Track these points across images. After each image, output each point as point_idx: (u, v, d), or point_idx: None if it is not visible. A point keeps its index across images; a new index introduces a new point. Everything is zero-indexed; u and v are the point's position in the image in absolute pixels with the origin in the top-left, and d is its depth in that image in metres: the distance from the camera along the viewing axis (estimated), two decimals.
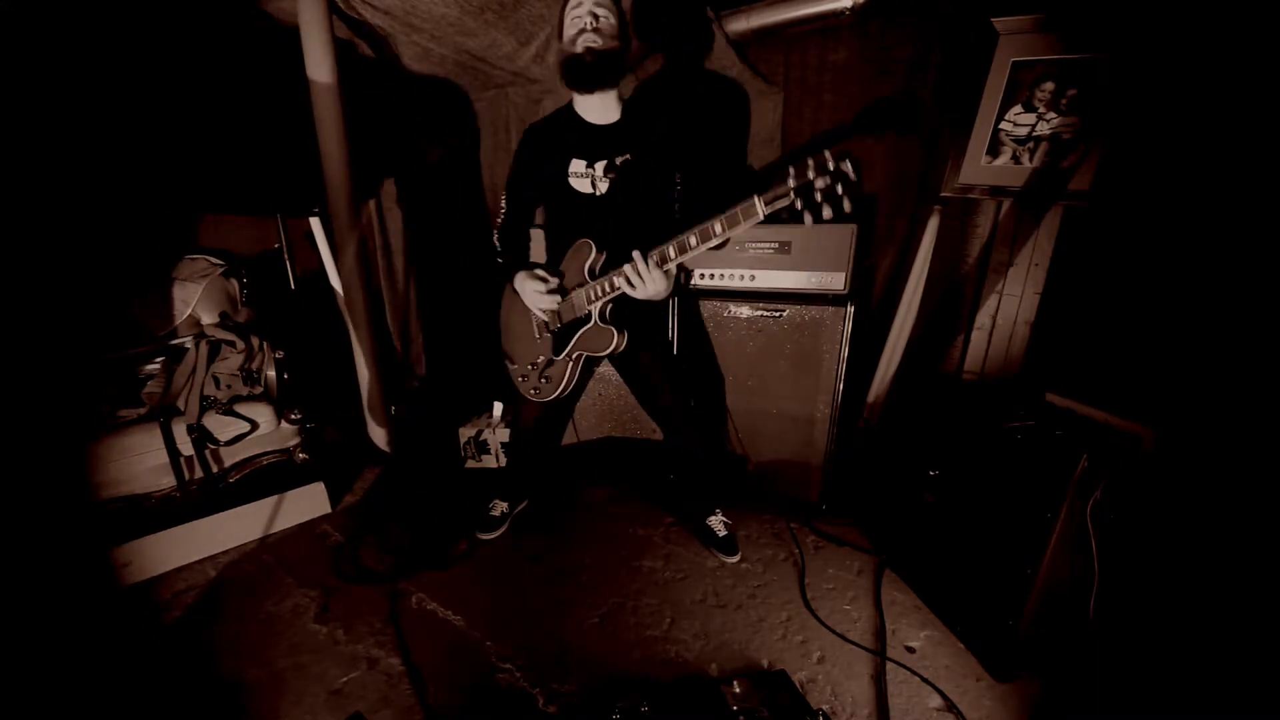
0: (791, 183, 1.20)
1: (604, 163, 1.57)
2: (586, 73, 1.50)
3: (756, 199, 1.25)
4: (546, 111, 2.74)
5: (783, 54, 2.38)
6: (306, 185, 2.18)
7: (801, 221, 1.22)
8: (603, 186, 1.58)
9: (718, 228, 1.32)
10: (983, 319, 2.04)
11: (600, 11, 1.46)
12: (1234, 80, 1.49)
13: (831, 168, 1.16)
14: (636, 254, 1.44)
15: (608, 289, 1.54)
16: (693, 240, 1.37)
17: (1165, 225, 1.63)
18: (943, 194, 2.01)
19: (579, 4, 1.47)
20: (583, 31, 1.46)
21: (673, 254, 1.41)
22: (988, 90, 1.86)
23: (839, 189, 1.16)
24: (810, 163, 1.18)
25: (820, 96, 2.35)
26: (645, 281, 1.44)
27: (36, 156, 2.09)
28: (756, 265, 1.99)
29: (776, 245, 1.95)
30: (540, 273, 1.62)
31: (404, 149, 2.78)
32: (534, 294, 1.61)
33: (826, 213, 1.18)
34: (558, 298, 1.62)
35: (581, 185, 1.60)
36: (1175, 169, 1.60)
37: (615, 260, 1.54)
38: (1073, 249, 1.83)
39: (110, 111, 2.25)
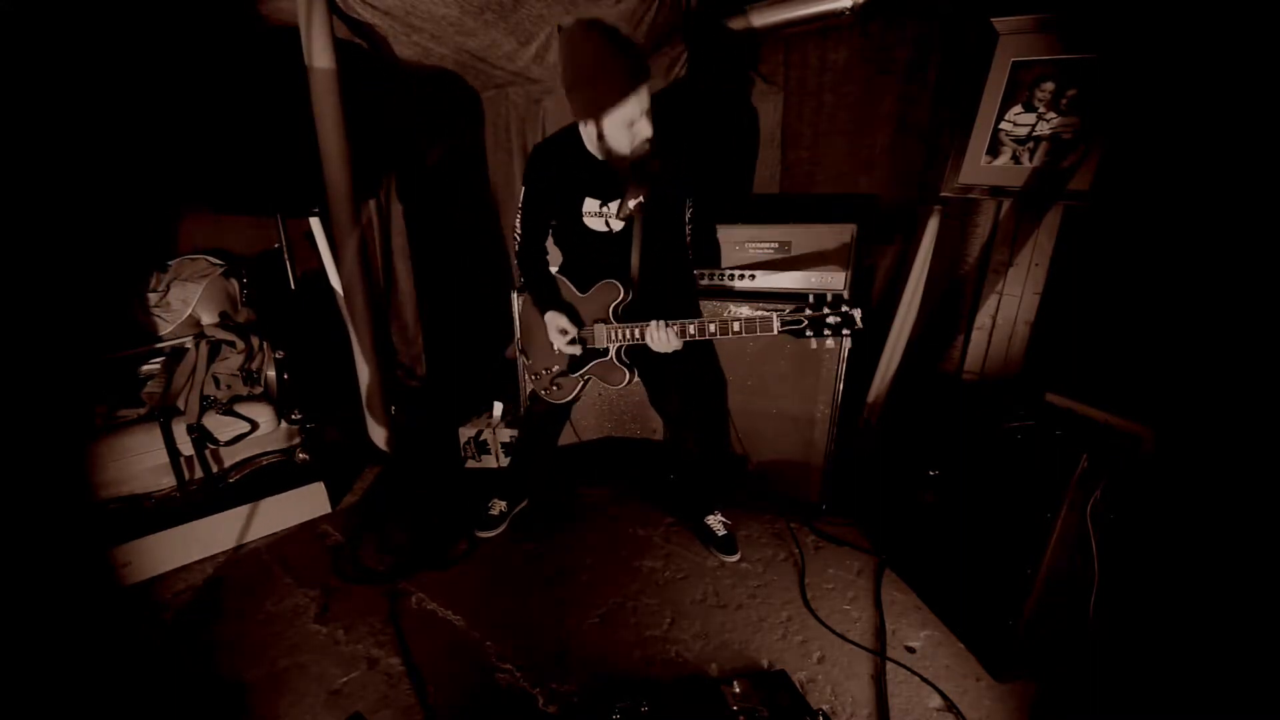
0: (808, 312, 1.39)
1: (618, 203, 1.58)
2: (611, 171, 1.54)
3: (775, 319, 1.42)
4: (547, 111, 2.77)
5: (783, 54, 2.38)
6: (306, 185, 2.18)
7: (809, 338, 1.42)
8: (617, 225, 1.62)
9: (736, 327, 1.47)
10: (983, 319, 2.04)
11: (650, 119, 1.44)
12: (1233, 80, 1.49)
13: (844, 311, 1.36)
14: (660, 323, 1.52)
15: (627, 336, 1.61)
16: (712, 328, 1.51)
17: (1165, 225, 1.63)
18: (943, 194, 2.01)
19: (634, 120, 1.41)
20: (644, 143, 1.46)
21: (692, 330, 1.52)
22: (988, 90, 1.85)
23: (845, 331, 1.38)
24: (828, 304, 1.38)
25: (820, 96, 2.35)
26: (663, 344, 1.54)
27: (38, 158, 2.09)
28: (757, 265, 1.99)
29: (776, 245, 1.95)
30: (564, 324, 1.65)
31: (404, 149, 2.78)
32: (558, 339, 1.67)
33: (830, 344, 1.44)
34: (579, 348, 1.67)
35: (596, 224, 1.63)
36: (1175, 169, 1.60)
37: (639, 300, 1.63)
38: (1073, 249, 1.83)
39: (110, 113, 2.25)
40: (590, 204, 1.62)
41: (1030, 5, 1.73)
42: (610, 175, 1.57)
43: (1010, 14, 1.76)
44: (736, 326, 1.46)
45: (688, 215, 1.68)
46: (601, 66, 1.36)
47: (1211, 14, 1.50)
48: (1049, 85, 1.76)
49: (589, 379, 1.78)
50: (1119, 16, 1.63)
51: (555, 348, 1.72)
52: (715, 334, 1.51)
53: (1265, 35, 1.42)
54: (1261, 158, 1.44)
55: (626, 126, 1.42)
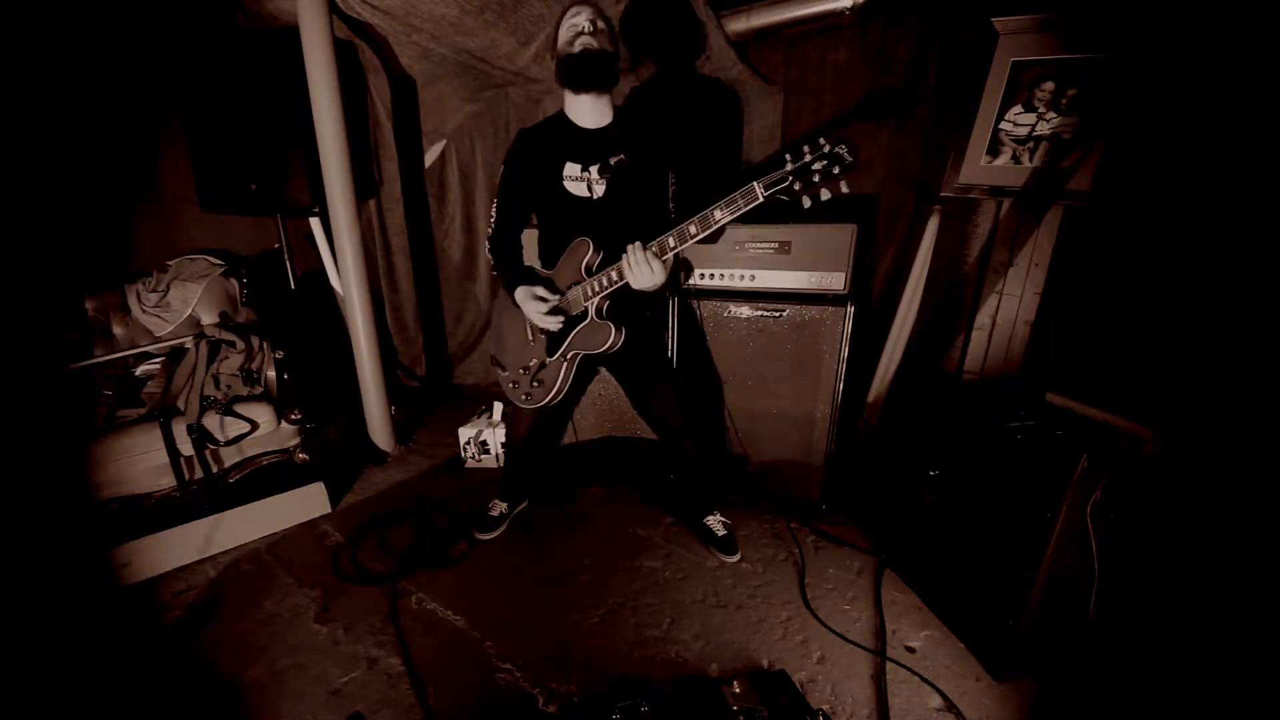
0: (789, 165, 1.24)
1: (598, 165, 1.58)
2: (583, 71, 1.51)
3: (756, 183, 1.28)
4: (547, 111, 2.76)
5: (783, 54, 2.39)
6: (306, 185, 2.18)
7: (802, 208, 1.25)
8: (599, 190, 1.59)
9: (717, 214, 1.34)
10: (983, 319, 2.04)
11: (597, 20, 1.52)
12: (1234, 80, 1.49)
13: (828, 150, 1.20)
14: (635, 245, 1.44)
15: (605, 283, 1.54)
16: (692, 229, 1.38)
17: (1165, 225, 1.63)
18: (943, 194, 2.01)
19: (576, 13, 1.51)
20: (579, 34, 1.49)
21: (672, 243, 1.42)
22: (988, 90, 1.85)
23: (835, 170, 1.20)
24: (806, 147, 1.23)
25: (820, 97, 2.35)
26: (643, 271, 1.44)
27: (33, 157, 2.09)
28: (757, 265, 1.99)
29: (776, 245, 1.95)
30: (540, 291, 1.61)
31: (404, 148, 2.79)
32: (537, 314, 1.60)
33: (824, 194, 1.22)
34: (560, 319, 1.60)
35: (577, 189, 1.60)
36: (1175, 169, 1.60)
37: (612, 259, 1.55)
38: (1073, 249, 1.83)
39: (110, 112, 2.25)
40: (571, 168, 1.59)
41: (1030, 5, 1.73)
42: (593, 143, 1.57)
43: (1010, 14, 1.76)
44: (718, 215, 1.33)
45: (671, 191, 1.63)
46: None
47: (1212, 13, 1.50)
48: (1049, 85, 1.76)
49: (575, 358, 1.67)
50: (1120, 16, 1.63)
51: (534, 333, 1.68)
52: (697, 235, 1.37)
53: (1265, 33, 1.42)
54: (1262, 156, 1.44)
55: (572, 14, 1.50)
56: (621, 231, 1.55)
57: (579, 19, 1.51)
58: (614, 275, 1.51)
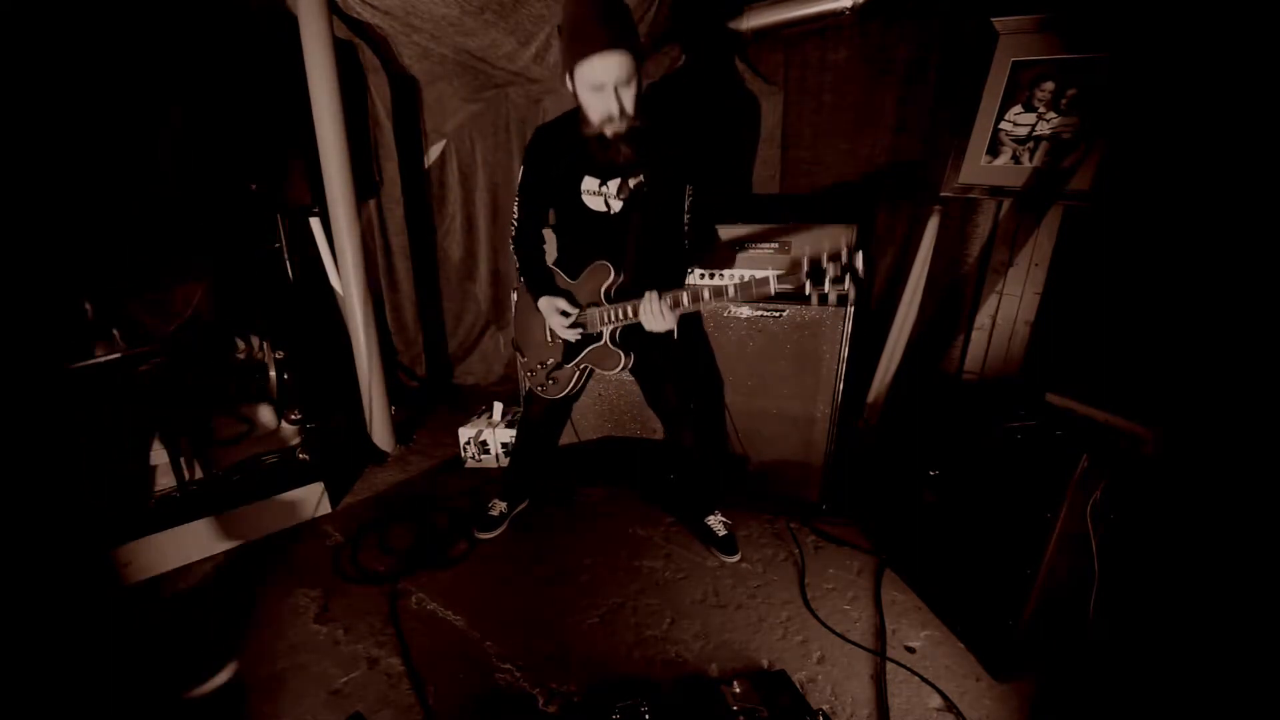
0: (806, 268, 1.33)
1: (617, 182, 1.58)
2: (607, 148, 1.48)
3: (772, 278, 1.37)
4: (547, 111, 2.77)
5: (783, 54, 2.38)
6: (306, 185, 2.19)
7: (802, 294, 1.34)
8: (616, 205, 1.60)
9: (731, 292, 1.43)
10: (983, 319, 2.04)
11: (626, 99, 1.40)
12: (1234, 80, 1.49)
13: (844, 261, 1.28)
14: (652, 294, 1.49)
15: (620, 316, 1.58)
16: (706, 294, 1.47)
17: (1165, 225, 1.63)
18: (943, 194, 2.01)
19: (601, 84, 1.37)
20: (609, 119, 1.42)
21: (686, 302, 1.48)
22: (988, 90, 1.86)
23: (846, 280, 1.30)
24: (826, 258, 1.30)
25: (820, 97, 2.35)
26: (657, 319, 1.50)
27: (38, 159, 2.09)
28: (757, 265, 1.99)
29: (777, 245, 1.95)
30: (563, 305, 1.64)
31: (404, 148, 2.79)
32: (559, 326, 1.66)
33: (832, 298, 1.32)
34: (579, 332, 1.67)
35: (595, 204, 1.61)
36: (1175, 168, 1.60)
37: (631, 282, 1.60)
38: (1073, 249, 1.83)
39: (109, 112, 2.25)
40: (589, 182, 1.59)
41: (1030, 5, 1.73)
42: (610, 154, 1.54)
43: (1010, 14, 1.76)
44: (731, 291, 1.42)
45: (687, 203, 1.64)
46: (580, 18, 1.36)
47: (1211, 13, 1.50)
48: (1049, 85, 1.76)
49: (586, 369, 1.76)
50: (1119, 16, 1.63)
51: (553, 335, 1.71)
52: (709, 300, 1.48)
53: (1265, 34, 1.42)
54: (1262, 155, 1.44)
55: (593, 89, 1.39)
56: (639, 248, 1.60)
57: (605, 96, 1.37)
58: (629, 311, 1.56)
